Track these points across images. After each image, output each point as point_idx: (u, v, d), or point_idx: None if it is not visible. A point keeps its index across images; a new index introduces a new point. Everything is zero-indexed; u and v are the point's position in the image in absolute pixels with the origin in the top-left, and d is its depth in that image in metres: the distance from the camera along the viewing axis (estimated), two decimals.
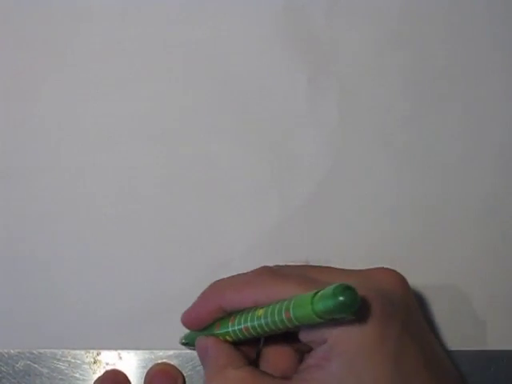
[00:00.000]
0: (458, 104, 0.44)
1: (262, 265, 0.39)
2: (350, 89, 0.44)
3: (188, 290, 0.42)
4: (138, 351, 0.42)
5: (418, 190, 0.44)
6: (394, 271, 0.38)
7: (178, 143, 0.43)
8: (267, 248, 0.43)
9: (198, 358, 0.42)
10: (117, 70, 0.43)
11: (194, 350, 0.40)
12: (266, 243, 0.43)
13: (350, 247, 0.44)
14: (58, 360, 0.42)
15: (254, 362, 0.38)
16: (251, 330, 0.35)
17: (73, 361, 0.42)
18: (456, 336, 0.44)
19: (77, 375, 0.42)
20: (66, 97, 0.43)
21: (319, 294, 0.31)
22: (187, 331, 0.40)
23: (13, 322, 0.42)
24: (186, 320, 0.39)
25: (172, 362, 0.42)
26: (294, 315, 0.32)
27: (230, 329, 0.37)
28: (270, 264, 0.39)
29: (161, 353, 0.42)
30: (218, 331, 0.38)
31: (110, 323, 0.42)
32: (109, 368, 0.42)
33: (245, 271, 0.42)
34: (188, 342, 0.40)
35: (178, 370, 0.42)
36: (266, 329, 0.34)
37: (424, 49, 0.44)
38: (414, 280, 0.44)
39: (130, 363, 0.42)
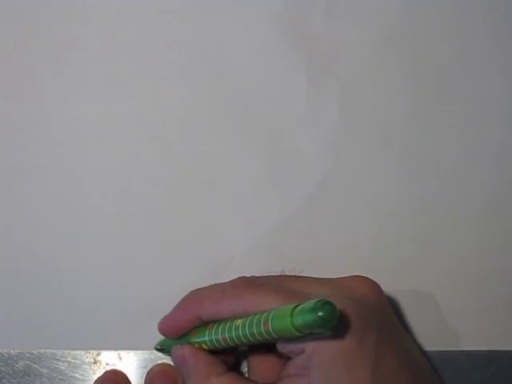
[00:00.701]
0: (458, 104, 0.44)
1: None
2: (350, 89, 0.44)
3: (188, 290, 0.42)
4: (138, 351, 0.42)
5: (417, 189, 0.44)
6: (367, 279, 0.38)
7: (177, 143, 0.43)
8: (267, 248, 0.43)
9: None
10: (117, 70, 0.43)
11: (169, 355, 0.40)
12: (266, 243, 0.43)
13: (349, 247, 0.44)
14: (58, 360, 0.42)
15: (232, 369, 0.39)
16: (228, 340, 0.35)
17: (73, 361, 0.42)
18: (457, 335, 0.44)
19: (77, 375, 0.42)
20: (66, 97, 0.43)
21: (299, 307, 0.31)
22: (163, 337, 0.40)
23: (13, 322, 0.42)
24: (163, 328, 0.40)
25: (172, 362, 0.42)
26: (273, 328, 0.32)
27: (206, 338, 0.37)
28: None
29: (161, 353, 0.42)
30: (194, 339, 0.38)
31: (110, 323, 0.42)
32: (109, 368, 0.42)
33: (245, 271, 0.42)
34: (163, 348, 0.40)
35: (178, 370, 0.42)
36: (243, 340, 0.34)
37: (424, 48, 0.44)
38: (414, 280, 0.44)
39: (130, 363, 0.42)
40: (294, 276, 0.40)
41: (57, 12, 0.43)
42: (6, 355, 0.42)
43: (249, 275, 0.39)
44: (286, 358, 0.37)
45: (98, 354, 0.42)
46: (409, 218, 0.44)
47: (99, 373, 0.42)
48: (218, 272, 0.42)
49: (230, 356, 0.39)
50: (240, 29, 0.44)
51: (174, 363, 0.39)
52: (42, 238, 0.43)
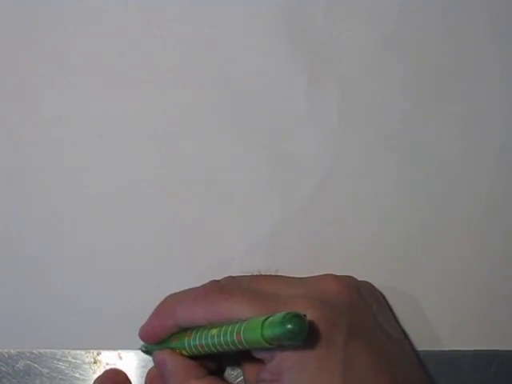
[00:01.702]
0: (458, 104, 0.44)
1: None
2: (350, 89, 0.44)
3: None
4: (138, 351, 0.42)
5: (417, 189, 0.44)
6: (339, 277, 0.38)
7: (177, 143, 0.43)
8: (267, 248, 0.43)
9: None
10: (117, 70, 0.43)
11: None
12: (266, 243, 0.43)
13: (349, 247, 0.44)
14: (58, 360, 0.42)
15: (216, 374, 0.39)
16: (205, 348, 0.36)
17: (73, 361, 0.42)
18: (457, 335, 0.44)
19: (77, 375, 0.42)
20: (66, 96, 0.43)
21: (269, 320, 0.32)
22: None
23: (13, 322, 0.42)
24: (143, 335, 0.40)
25: None
26: (244, 338, 0.33)
27: (185, 344, 0.37)
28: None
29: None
30: (174, 345, 0.38)
31: (110, 323, 0.42)
32: (109, 368, 0.42)
33: (245, 271, 0.42)
34: (148, 351, 0.41)
35: None
36: (219, 348, 0.35)
37: (424, 49, 0.44)
38: (414, 280, 0.44)
39: (130, 363, 0.42)
40: (268, 276, 0.40)
41: (57, 12, 0.43)
42: (6, 355, 0.42)
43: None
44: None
45: (98, 354, 0.42)
46: (409, 218, 0.44)
47: (99, 372, 0.42)
48: (218, 272, 0.42)
49: (213, 361, 0.40)
50: (240, 29, 0.44)
51: (156, 367, 0.39)
52: (42, 238, 0.43)
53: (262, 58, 0.44)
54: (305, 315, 0.31)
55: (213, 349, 0.36)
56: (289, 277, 0.39)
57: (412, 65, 0.44)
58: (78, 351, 0.42)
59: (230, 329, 0.34)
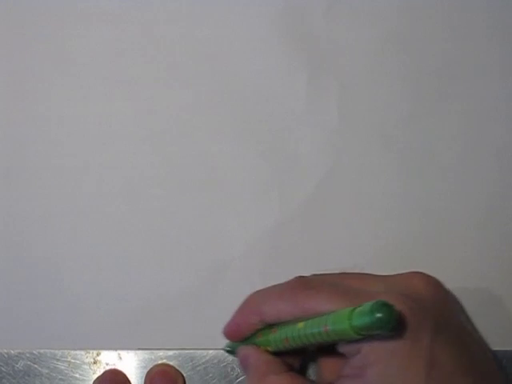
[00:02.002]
0: (458, 104, 0.44)
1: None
2: (350, 89, 0.44)
3: (188, 290, 0.42)
4: (138, 351, 0.42)
5: (417, 190, 0.44)
6: (426, 275, 0.38)
7: (178, 143, 0.43)
8: (267, 248, 0.43)
9: (197, 358, 0.42)
10: (117, 70, 0.43)
11: (236, 357, 0.40)
12: (266, 243, 0.43)
13: (349, 247, 0.44)
14: (58, 360, 0.42)
15: (298, 371, 0.39)
16: (291, 342, 0.36)
17: (73, 361, 0.42)
18: None
19: (77, 375, 0.42)
20: (66, 96, 0.43)
21: (357, 310, 0.32)
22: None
23: (13, 322, 0.42)
24: (228, 333, 0.40)
25: (172, 362, 0.42)
26: (332, 329, 0.33)
27: (271, 339, 0.38)
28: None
29: (161, 353, 0.42)
30: (259, 341, 0.39)
31: (110, 323, 0.42)
32: (109, 368, 0.42)
33: (245, 271, 0.42)
34: (232, 350, 0.41)
35: (178, 370, 0.42)
36: (304, 341, 0.35)
37: (424, 49, 0.44)
38: None
39: (130, 363, 0.42)
40: (351, 273, 0.40)
41: (57, 12, 0.43)
42: (6, 355, 0.42)
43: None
44: (344, 359, 0.37)
45: (97, 354, 0.42)
46: (409, 218, 0.44)
47: (99, 373, 0.42)
48: (218, 272, 0.42)
49: (296, 358, 0.39)
50: (240, 29, 0.44)
51: (239, 363, 0.40)
52: (42, 238, 0.43)
53: (262, 57, 0.44)
54: (393, 305, 0.31)
55: (298, 342, 0.35)
56: (374, 274, 0.39)
57: (412, 64, 0.44)
58: (78, 351, 0.42)
59: (317, 321, 0.34)
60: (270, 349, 0.38)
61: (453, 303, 0.38)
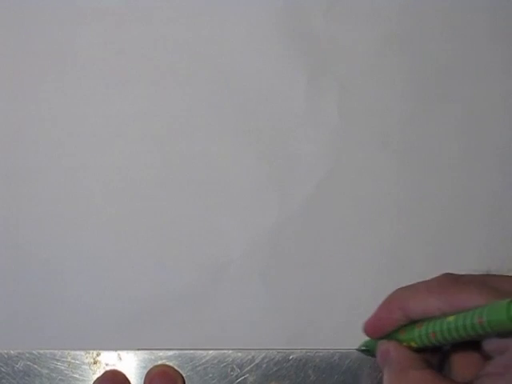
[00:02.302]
0: (458, 104, 0.44)
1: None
2: (349, 89, 0.44)
3: (188, 290, 0.42)
4: (138, 351, 0.42)
5: (417, 190, 0.44)
6: None
7: (178, 143, 0.43)
8: (267, 248, 0.43)
9: (197, 358, 0.42)
10: (117, 70, 0.43)
11: (371, 356, 0.40)
12: (266, 243, 0.43)
13: (349, 247, 0.44)
14: (58, 360, 0.42)
15: (435, 369, 0.39)
16: (438, 336, 0.36)
17: (72, 361, 0.42)
18: None
19: (76, 376, 0.42)
20: (66, 97, 0.43)
21: None
22: (366, 338, 0.40)
23: (13, 322, 0.42)
24: (370, 329, 0.40)
25: (172, 363, 0.42)
26: (488, 322, 0.33)
27: (416, 335, 0.38)
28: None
29: (161, 353, 0.42)
30: (402, 337, 0.39)
31: (110, 323, 0.42)
32: (108, 368, 0.42)
33: (245, 271, 0.42)
34: (368, 349, 0.41)
35: (178, 371, 0.42)
36: (454, 335, 0.35)
37: (424, 49, 0.44)
38: (414, 280, 0.44)
39: (130, 364, 0.42)
40: (499, 275, 0.40)
41: (57, 13, 0.43)
42: (6, 355, 0.42)
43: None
44: (486, 356, 0.37)
45: (97, 354, 0.42)
46: (408, 218, 0.44)
47: (99, 373, 0.42)
48: (217, 272, 0.42)
49: (434, 356, 0.39)
50: (240, 28, 0.44)
51: (378, 358, 0.39)
52: (42, 238, 0.43)
53: (262, 57, 0.44)
54: None
55: (447, 336, 0.36)
56: None
57: (412, 65, 0.44)
58: (78, 352, 0.42)
59: (470, 314, 0.34)
60: (413, 344, 0.38)
61: None
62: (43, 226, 0.43)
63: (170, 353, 0.42)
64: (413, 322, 0.38)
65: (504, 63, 0.44)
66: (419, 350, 0.38)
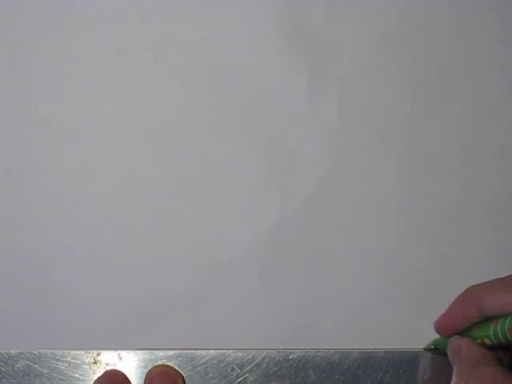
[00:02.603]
0: (458, 104, 0.44)
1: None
2: (350, 89, 0.44)
3: (188, 290, 0.42)
4: (138, 351, 0.42)
5: (417, 189, 0.44)
6: None
7: (178, 143, 0.43)
8: (267, 248, 0.43)
9: (197, 358, 0.42)
10: (117, 70, 0.43)
11: (439, 355, 0.40)
12: (266, 243, 0.43)
13: (349, 247, 0.44)
14: (58, 360, 0.42)
15: (506, 367, 0.39)
16: None
17: (73, 361, 0.42)
18: None
19: (77, 375, 0.42)
20: (66, 97, 0.43)
21: None
22: (430, 337, 0.40)
23: (13, 322, 0.42)
24: (442, 326, 0.39)
25: (172, 363, 0.42)
26: None
27: (491, 332, 0.37)
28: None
29: (161, 353, 0.42)
30: (476, 334, 0.38)
31: (110, 323, 0.42)
32: (109, 368, 0.42)
33: (245, 271, 0.42)
34: (437, 348, 0.41)
35: (178, 371, 0.42)
36: None
37: (424, 48, 0.44)
38: (414, 280, 0.44)
39: (130, 363, 0.42)
40: None
41: (57, 12, 0.43)
42: (6, 355, 0.42)
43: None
44: None
45: (98, 354, 0.42)
46: (408, 218, 0.44)
47: (99, 373, 0.42)
48: (217, 272, 0.42)
49: (505, 354, 0.39)
50: (240, 29, 0.44)
51: (449, 353, 0.39)
52: (42, 238, 0.43)
53: (262, 57, 0.44)
54: None
55: None
56: None
57: (412, 65, 0.44)
58: (78, 351, 0.42)
59: None
60: (487, 341, 0.38)
61: None
62: (43, 226, 0.43)
63: (170, 353, 0.42)
64: (486, 320, 0.38)
65: (504, 63, 0.44)
66: (492, 348, 0.38)
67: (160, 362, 0.42)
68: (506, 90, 0.44)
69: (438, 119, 0.44)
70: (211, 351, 0.42)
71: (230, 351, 0.42)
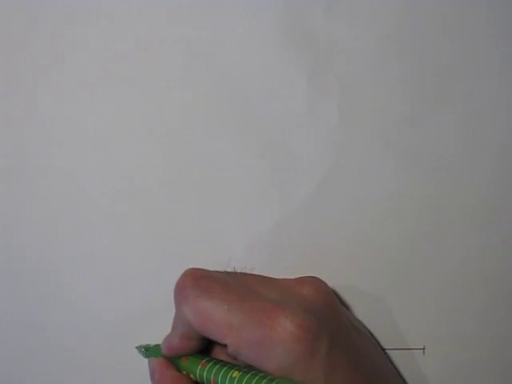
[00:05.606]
0: (458, 104, 0.44)
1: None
2: (349, 89, 0.44)
3: None
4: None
5: (417, 190, 0.44)
6: (314, 280, 0.38)
7: (178, 143, 0.43)
8: (267, 248, 0.43)
9: None
10: (117, 70, 0.43)
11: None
12: (266, 243, 0.43)
13: (349, 247, 0.44)
14: None
15: None
16: None
17: None
18: (457, 335, 0.44)
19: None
20: (66, 96, 0.43)
21: None
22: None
23: (13, 322, 0.42)
24: (167, 346, 0.39)
25: None
26: None
27: (197, 372, 0.37)
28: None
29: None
30: (184, 366, 0.38)
31: (110, 323, 0.42)
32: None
33: (245, 271, 0.42)
34: (148, 350, 0.41)
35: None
36: None
37: (424, 49, 0.44)
38: (414, 280, 0.44)
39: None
40: (243, 274, 0.40)
41: (57, 12, 0.43)
42: None
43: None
44: None
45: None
46: (409, 218, 0.44)
47: None
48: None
49: None
50: (240, 28, 0.44)
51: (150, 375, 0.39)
52: (42, 238, 0.43)
53: (262, 57, 0.44)
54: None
55: None
56: (264, 277, 0.39)
57: (412, 65, 0.44)
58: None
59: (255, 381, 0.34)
60: (193, 377, 0.37)
61: (339, 306, 0.39)
62: (43, 226, 0.43)
63: None
64: (199, 354, 0.38)
65: (504, 63, 0.44)
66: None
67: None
68: (506, 90, 0.44)
69: (438, 119, 0.44)
70: None
71: None
